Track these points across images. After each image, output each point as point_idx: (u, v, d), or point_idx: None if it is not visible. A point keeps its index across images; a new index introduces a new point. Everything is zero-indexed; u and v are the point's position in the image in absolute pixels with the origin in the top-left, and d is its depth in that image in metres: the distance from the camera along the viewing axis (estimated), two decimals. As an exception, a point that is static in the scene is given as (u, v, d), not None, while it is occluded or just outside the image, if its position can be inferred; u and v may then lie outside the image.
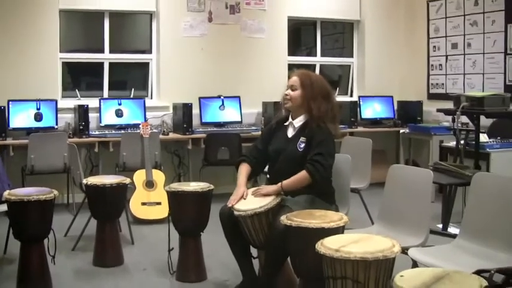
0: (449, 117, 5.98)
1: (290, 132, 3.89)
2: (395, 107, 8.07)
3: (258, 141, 4.07)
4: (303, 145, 3.76)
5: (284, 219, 3.23)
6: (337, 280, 2.60)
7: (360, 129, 7.67)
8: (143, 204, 5.98)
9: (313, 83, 3.80)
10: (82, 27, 7.71)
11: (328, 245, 2.66)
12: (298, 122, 3.86)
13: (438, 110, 5.16)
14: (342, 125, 7.46)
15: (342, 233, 3.14)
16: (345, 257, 2.55)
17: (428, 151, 7.14)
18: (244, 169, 3.92)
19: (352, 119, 7.61)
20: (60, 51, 6.95)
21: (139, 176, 6.12)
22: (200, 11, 7.40)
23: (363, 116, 7.92)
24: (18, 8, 6.64)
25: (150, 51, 7.45)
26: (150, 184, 6.05)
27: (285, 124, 3.93)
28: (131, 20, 7.73)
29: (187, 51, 7.37)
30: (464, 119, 5.05)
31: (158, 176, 6.19)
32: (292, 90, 3.84)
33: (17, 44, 6.64)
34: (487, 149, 5.26)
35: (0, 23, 6.57)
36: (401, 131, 7.66)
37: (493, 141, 5.46)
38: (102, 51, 7.26)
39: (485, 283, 2.17)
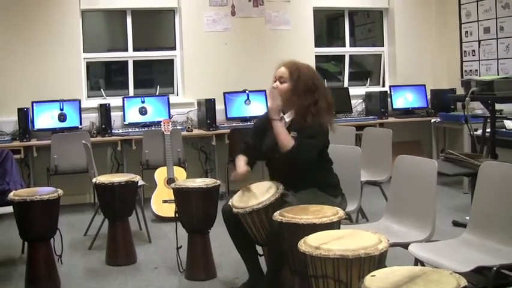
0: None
1: None
2: (429, 96, 7.80)
3: (249, 136, 3.89)
4: None
5: (277, 215, 3.12)
6: (319, 279, 2.46)
7: (391, 119, 7.43)
8: (164, 201, 5.93)
9: (300, 76, 3.58)
10: (105, 27, 7.73)
11: (309, 243, 2.53)
12: (288, 116, 3.67)
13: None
14: (371, 116, 7.39)
15: (338, 228, 3.00)
16: (324, 255, 2.41)
17: (463, 140, 6.85)
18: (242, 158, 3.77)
19: (382, 110, 7.38)
20: (84, 52, 6.98)
21: (161, 174, 6.09)
22: (223, 5, 7.29)
23: (395, 106, 7.67)
24: (40, 9, 6.69)
25: (174, 48, 7.41)
26: (171, 181, 5.97)
27: None
28: (154, 17, 7.69)
29: (211, 47, 7.29)
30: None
31: (180, 173, 6.13)
32: (281, 82, 3.65)
33: (40, 46, 6.69)
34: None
35: (22, 25, 6.62)
36: (432, 120, 7.38)
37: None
38: (126, 49, 7.26)
39: (464, 283, 2.00)
